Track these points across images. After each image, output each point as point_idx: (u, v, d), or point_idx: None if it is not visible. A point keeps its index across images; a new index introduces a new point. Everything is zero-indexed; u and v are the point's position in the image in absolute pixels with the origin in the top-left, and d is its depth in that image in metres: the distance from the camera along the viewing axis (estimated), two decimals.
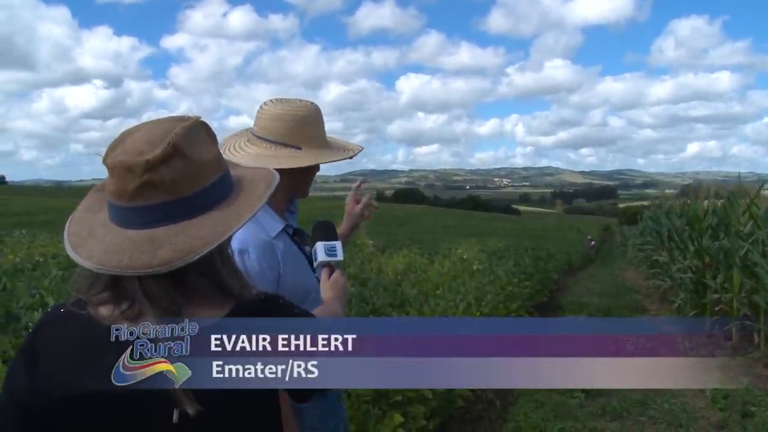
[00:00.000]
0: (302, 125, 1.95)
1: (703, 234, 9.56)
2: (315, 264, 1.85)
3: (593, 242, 30.79)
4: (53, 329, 1.15)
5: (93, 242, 1.11)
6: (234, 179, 1.23)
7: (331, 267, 1.82)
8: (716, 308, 8.60)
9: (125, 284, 1.11)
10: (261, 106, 2.00)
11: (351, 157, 2.03)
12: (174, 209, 1.11)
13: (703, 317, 9.04)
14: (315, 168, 2.00)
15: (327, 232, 1.90)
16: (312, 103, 2.01)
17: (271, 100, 2.00)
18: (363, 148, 2.12)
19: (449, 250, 13.84)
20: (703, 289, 9.13)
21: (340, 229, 2.34)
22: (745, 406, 5.52)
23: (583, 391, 5.97)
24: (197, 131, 1.16)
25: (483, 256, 12.51)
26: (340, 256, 1.84)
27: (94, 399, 1.08)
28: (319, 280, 1.85)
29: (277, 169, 1.33)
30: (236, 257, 1.79)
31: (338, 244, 1.86)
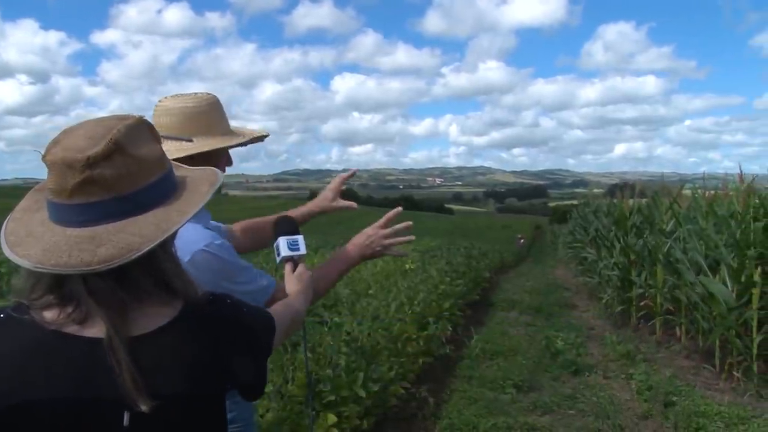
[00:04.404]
0: (192, 117, 1.91)
1: (628, 232, 9.86)
2: (278, 259, 1.85)
3: (522, 240, 31.44)
4: None
5: (31, 241, 1.09)
6: (178, 179, 1.22)
7: (294, 261, 1.83)
8: (641, 303, 8.88)
9: (70, 285, 1.08)
10: (156, 103, 1.95)
11: (245, 144, 1.98)
12: (115, 207, 1.09)
13: (629, 312, 9.33)
14: (218, 160, 1.94)
15: (288, 226, 1.91)
16: (209, 94, 1.96)
17: (166, 97, 1.95)
18: (266, 135, 2.08)
19: None
20: (629, 285, 9.41)
21: (309, 206, 2.33)
22: (668, 396, 5.71)
23: (515, 386, 6.08)
24: (140, 130, 1.16)
25: (416, 255, 12.58)
26: (302, 250, 1.85)
27: (41, 407, 1.05)
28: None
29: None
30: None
31: (300, 238, 1.87)
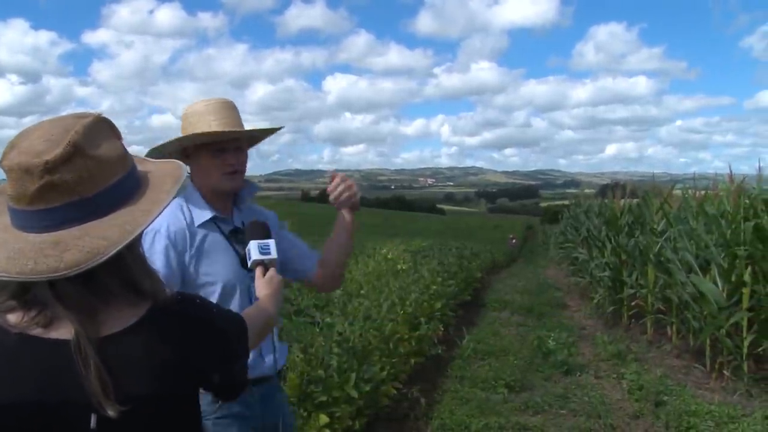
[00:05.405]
0: (183, 120, 2.03)
1: (619, 232, 9.88)
2: (249, 263, 1.86)
3: (515, 240, 31.50)
4: None
5: None
6: (141, 175, 1.19)
7: (265, 265, 1.83)
8: (632, 303, 8.90)
9: (35, 291, 1.06)
10: None
11: (232, 132, 2.02)
12: (77, 210, 1.06)
13: (620, 312, 9.36)
14: (203, 153, 2.01)
15: (260, 231, 1.91)
16: (215, 99, 2.05)
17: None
18: (279, 127, 2.19)
19: (374, 250, 13.86)
20: (620, 285, 9.43)
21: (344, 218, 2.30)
22: (659, 395, 5.73)
23: (507, 386, 6.08)
24: (99, 129, 1.12)
25: (407, 255, 12.58)
26: (273, 254, 1.85)
27: (5, 410, 1.04)
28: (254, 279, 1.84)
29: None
30: (148, 236, 1.78)
31: (272, 243, 1.87)
